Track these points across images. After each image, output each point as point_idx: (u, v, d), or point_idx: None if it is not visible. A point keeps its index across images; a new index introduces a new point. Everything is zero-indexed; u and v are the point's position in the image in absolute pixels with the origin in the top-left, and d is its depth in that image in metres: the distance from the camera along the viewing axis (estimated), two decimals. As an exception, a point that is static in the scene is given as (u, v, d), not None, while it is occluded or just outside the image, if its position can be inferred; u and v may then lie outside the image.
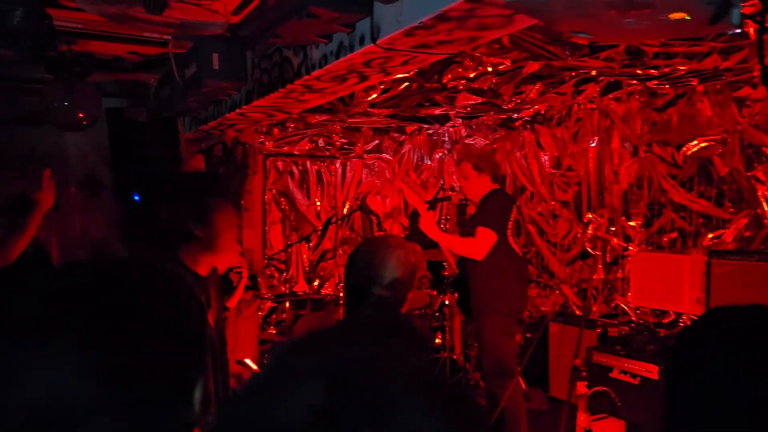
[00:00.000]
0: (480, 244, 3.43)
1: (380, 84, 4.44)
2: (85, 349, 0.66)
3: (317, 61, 2.64)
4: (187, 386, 0.72)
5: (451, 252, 4.11)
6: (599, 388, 4.12)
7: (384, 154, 6.94)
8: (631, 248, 3.95)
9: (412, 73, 3.94)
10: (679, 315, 4.41)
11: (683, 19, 1.05)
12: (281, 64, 3.02)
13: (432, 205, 4.26)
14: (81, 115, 3.53)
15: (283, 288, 6.56)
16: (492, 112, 5.50)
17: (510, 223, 3.58)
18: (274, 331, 6.49)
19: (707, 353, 0.93)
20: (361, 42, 2.31)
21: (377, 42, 2.19)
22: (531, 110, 5.43)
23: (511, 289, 3.59)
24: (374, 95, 4.63)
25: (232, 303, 3.86)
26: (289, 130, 6.22)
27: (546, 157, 5.58)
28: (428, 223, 3.44)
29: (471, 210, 4.77)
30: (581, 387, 2.56)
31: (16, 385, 0.65)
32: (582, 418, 2.57)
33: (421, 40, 2.19)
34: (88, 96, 3.54)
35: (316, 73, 2.69)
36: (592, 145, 5.09)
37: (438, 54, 2.40)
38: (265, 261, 6.34)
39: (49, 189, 3.40)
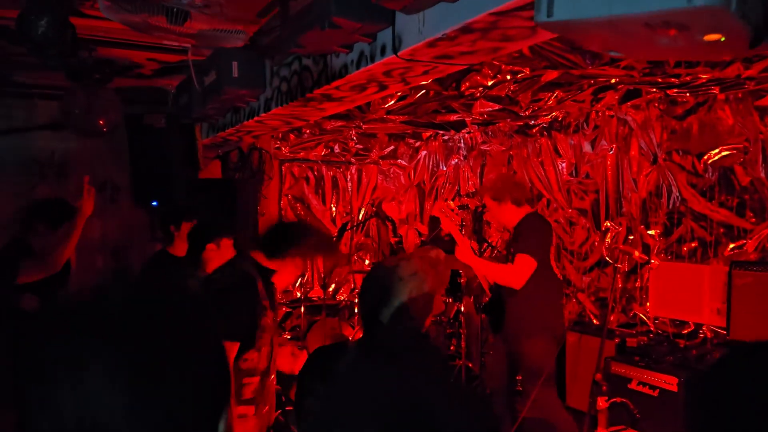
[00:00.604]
0: (519, 272, 3.38)
1: (397, 92, 4.44)
2: (120, 374, 0.66)
3: (337, 70, 2.64)
4: (214, 416, 0.72)
5: (485, 278, 4.08)
6: (617, 400, 4.08)
7: (399, 160, 6.94)
8: (653, 261, 3.91)
9: (430, 81, 3.93)
10: (698, 326, 4.35)
11: (719, 41, 1.03)
12: (300, 73, 3.02)
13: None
14: (101, 121, 3.56)
15: (298, 293, 6.57)
16: (509, 119, 5.47)
17: (552, 247, 3.56)
18: (288, 337, 6.49)
19: (739, 394, 0.89)
20: (383, 52, 2.30)
21: (399, 53, 2.18)
22: (548, 117, 5.40)
23: (550, 311, 3.59)
24: (391, 102, 4.62)
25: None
26: (305, 136, 6.23)
27: (563, 164, 5.53)
28: (465, 251, 3.46)
29: (487, 217, 4.73)
30: (601, 401, 2.53)
31: (53, 408, 0.65)
32: (603, 433, 2.53)
33: (443, 51, 2.18)
34: (108, 102, 3.57)
35: (336, 82, 2.68)
36: (610, 152, 5.05)
37: (459, 65, 2.39)
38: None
39: (90, 196, 3.49)
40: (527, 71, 3.66)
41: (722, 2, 0.95)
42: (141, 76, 4.33)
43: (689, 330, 4.42)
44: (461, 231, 3.70)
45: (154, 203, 4.76)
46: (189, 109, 4.03)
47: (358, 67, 2.48)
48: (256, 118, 3.71)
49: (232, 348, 2.39)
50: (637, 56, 2.57)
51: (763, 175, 3.98)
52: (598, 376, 2.58)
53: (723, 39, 1.03)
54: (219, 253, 3.82)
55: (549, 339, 3.51)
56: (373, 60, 2.37)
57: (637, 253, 3.14)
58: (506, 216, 3.63)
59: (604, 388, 2.55)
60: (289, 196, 6.55)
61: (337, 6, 2.13)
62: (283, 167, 6.42)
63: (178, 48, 3.63)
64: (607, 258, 5.05)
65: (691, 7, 0.92)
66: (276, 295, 2.78)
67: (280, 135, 6.13)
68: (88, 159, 4.65)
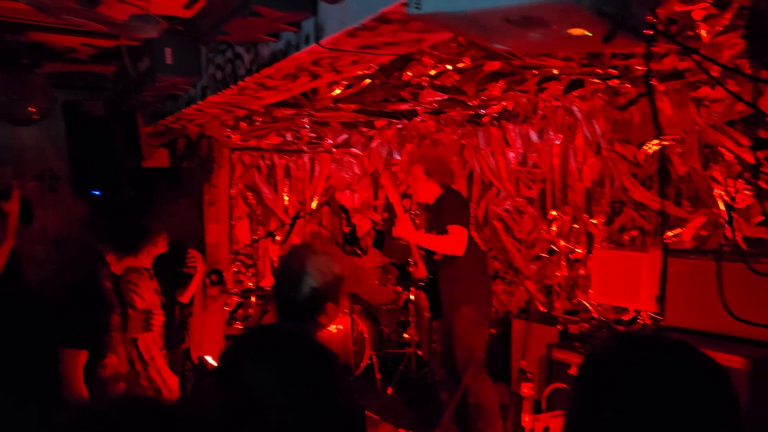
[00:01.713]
0: (457, 240, 3.53)
1: (343, 79, 4.41)
2: None
3: (266, 59, 2.60)
4: None
5: (421, 255, 4.13)
6: (558, 385, 4.16)
7: (353, 149, 6.91)
8: (578, 251, 4.02)
9: (372, 70, 3.91)
10: (638, 312, 4.46)
11: (585, 35, 1.04)
12: (233, 61, 2.96)
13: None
14: (31, 108, 3.44)
15: (249, 283, 6.51)
16: (459, 108, 5.49)
17: (471, 218, 3.72)
18: (241, 326, 6.44)
19: (608, 382, 0.93)
20: (307, 41, 2.27)
21: (321, 42, 2.15)
22: (498, 107, 5.43)
23: (478, 281, 3.74)
24: (338, 90, 4.59)
25: (184, 298, 3.81)
26: (257, 124, 6.14)
27: (512, 154, 5.59)
28: (405, 226, 3.56)
29: (409, 181, 4.79)
30: (526, 388, 2.57)
31: None
32: (527, 420, 2.58)
33: (365, 41, 2.16)
34: (38, 88, 3.45)
35: (265, 71, 2.64)
36: (557, 142, 5.11)
37: (386, 55, 2.37)
38: (232, 256, 6.28)
39: (15, 199, 3.36)
40: (467, 61, 3.66)
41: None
42: (77, 61, 4.19)
43: (630, 316, 4.53)
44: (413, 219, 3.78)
45: (96, 192, 4.64)
46: (127, 96, 3.93)
47: (285, 56, 2.44)
48: (194, 106, 3.63)
49: (77, 356, 2.32)
50: (519, 50, 2.60)
51: (698, 165, 4.08)
52: (523, 363, 2.62)
53: (589, 34, 1.04)
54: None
55: (480, 307, 3.66)
56: (298, 49, 2.34)
57: (562, 243, 3.19)
58: (428, 191, 3.74)
59: (529, 375, 2.60)
60: (240, 185, 6.47)
61: (259, -6, 2.09)
62: (233, 155, 6.33)
63: (112, 33, 3.54)
64: (554, 247, 5.14)
65: (544, 2, 0.93)
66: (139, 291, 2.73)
67: (230, 123, 6.04)
68: (23, 148, 4.50)
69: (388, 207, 6.16)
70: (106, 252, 2.60)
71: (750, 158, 3.81)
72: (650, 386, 0.88)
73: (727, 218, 3.87)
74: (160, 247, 3.59)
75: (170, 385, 2.84)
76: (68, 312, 2.33)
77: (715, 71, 3.84)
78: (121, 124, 4.58)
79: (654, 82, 4.19)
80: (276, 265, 6.60)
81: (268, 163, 6.61)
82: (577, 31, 1.03)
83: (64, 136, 4.55)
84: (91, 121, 4.47)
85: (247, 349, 1.39)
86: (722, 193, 3.95)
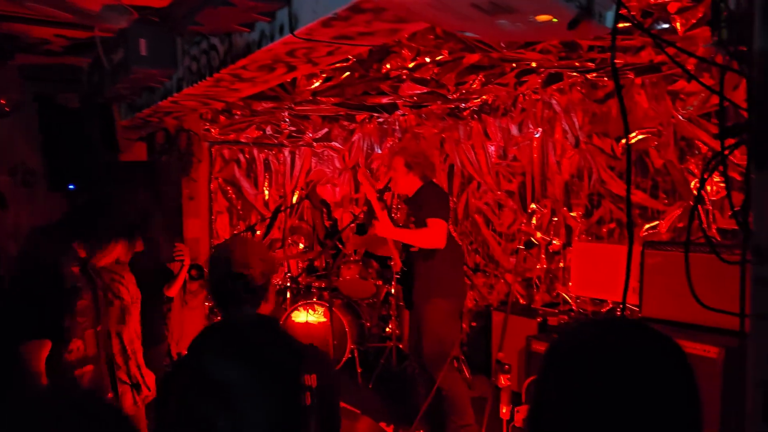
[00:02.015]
0: (437, 233, 3.52)
1: (322, 72, 4.38)
2: None
3: (241, 49, 2.57)
4: None
5: (397, 247, 4.14)
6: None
7: (334, 143, 6.88)
8: (555, 242, 4.06)
9: (351, 62, 3.89)
10: (617, 304, 4.50)
11: (551, 21, 1.04)
12: (208, 52, 2.93)
13: (382, 191, 4.31)
14: (2, 101, 3.37)
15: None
16: (439, 102, 5.49)
17: (451, 212, 3.71)
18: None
19: (568, 362, 0.94)
20: (281, 31, 2.25)
21: (295, 32, 2.13)
22: (478, 100, 5.44)
23: (452, 275, 3.74)
24: (317, 83, 4.56)
25: (172, 292, 3.78)
26: (236, 117, 6.10)
27: (492, 147, 5.60)
28: (385, 224, 3.54)
29: (390, 174, 4.82)
30: (503, 380, 2.58)
31: None
32: (504, 411, 2.59)
33: (340, 32, 2.14)
34: (8, 80, 3.38)
35: (240, 62, 2.61)
36: (536, 135, 5.14)
37: (362, 45, 2.35)
38: (212, 251, 6.23)
39: None
40: (446, 54, 3.65)
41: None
42: (50, 53, 4.12)
43: (608, 308, 4.57)
44: (396, 214, 3.78)
45: (71, 187, 4.58)
46: (101, 88, 3.87)
47: (260, 47, 2.42)
48: (170, 99, 3.59)
49: (41, 346, 2.31)
50: (490, 39, 2.60)
51: (675, 157, 4.12)
52: (500, 355, 2.63)
53: (555, 20, 1.03)
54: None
55: (452, 301, 3.67)
56: (273, 39, 2.32)
57: (539, 234, 3.20)
58: (408, 184, 3.74)
59: (506, 366, 2.61)
60: (220, 179, 6.41)
61: (231, -17, 2.06)
62: (212, 149, 6.28)
63: (86, 24, 3.48)
64: (533, 239, 5.16)
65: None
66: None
67: (209, 116, 5.98)
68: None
69: (368, 201, 6.16)
70: (77, 245, 2.57)
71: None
72: (608, 366, 0.89)
73: (701, 211, 3.91)
74: (138, 243, 3.55)
75: (148, 381, 2.81)
76: (27, 302, 2.30)
77: (690, 64, 3.88)
78: (96, 117, 4.52)
79: (631, 75, 4.23)
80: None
81: (248, 157, 6.57)
82: (543, 18, 1.03)
83: (38, 130, 4.48)
84: (66, 114, 4.41)
85: (215, 342, 1.37)
86: (699, 185, 3.99)
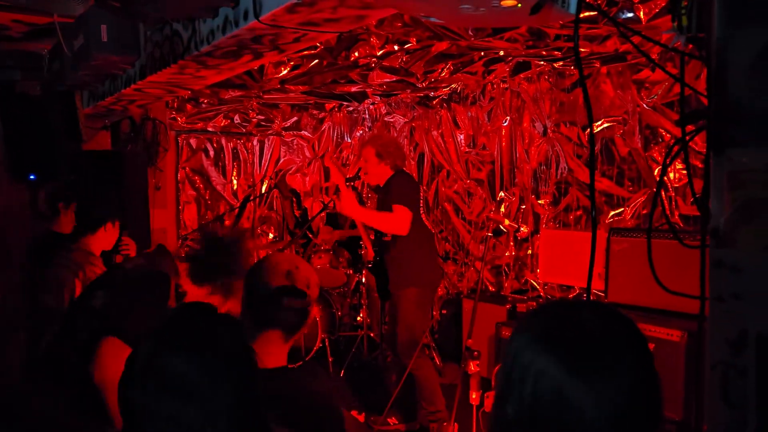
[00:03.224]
0: (401, 219, 3.52)
1: (289, 60, 4.34)
2: None
3: (205, 36, 2.52)
4: None
5: (368, 235, 4.14)
6: (506, 363, 4.25)
7: (303, 132, 6.83)
8: (523, 229, 4.12)
9: (319, 49, 3.86)
10: (583, 290, 4.57)
11: (516, 6, 1.04)
12: (172, 38, 2.87)
13: (352, 180, 4.29)
14: (-43, 88, 3.26)
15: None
16: (408, 90, 5.48)
17: (421, 201, 3.71)
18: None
19: (524, 342, 0.95)
20: (246, 18, 2.21)
21: (260, 18, 2.10)
22: (447, 89, 5.45)
23: (426, 263, 3.74)
24: (284, 71, 4.51)
25: None
26: (203, 105, 6.00)
27: (462, 136, 5.63)
28: (349, 201, 3.50)
29: (360, 164, 4.85)
30: (473, 366, 2.61)
31: None
32: (474, 397, 2.62)
33: (306, 18, 2.12)
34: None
35: (205, 48, 2.57)
36: (505, 124, 5.17)
37: (329, 32, 2.33)
38: (179, 241, 6.15)
39: None
40: (414, 42, 3.64)
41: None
42: (9, 39, 3.99)
43: (574, 294, 4.64)
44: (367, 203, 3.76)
45: (32, 177, 4.46)
46: (63, 75, 3.77)
47: (224, 33, 2.38)
48: (133, 86, 3.52)
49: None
50: (455, 24, 2.61)
51: (639, 145, 4.19)
52: (470, 341, 2.65)
53: (519, 5, 1.03)
54: (106, 236, 3.64)
55: (424, 289, 3.68)
56: (237, 26, 2.28)
57: (507, 222, 3.24)
58: (379, 173, 3.74)
59: (476, 353, 2.63)
60: (187, 169, 6.32)
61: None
62: (179, 138, 6.17)
63: (43, 9, 3.38)
64: (502, 227, 5.21)
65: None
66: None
67: (175, 104, 5.88)
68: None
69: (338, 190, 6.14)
70: None
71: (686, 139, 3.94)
72: (566, 343, 0.90)
73: (665, 197, 3.99)
74: (110, 233, 3.49)
75: None
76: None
77: (655, 54, 3.94)
78: (58, 106, 4.39)
79: (597, 64, 4.28)
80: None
81: (216, 146, 6.48)
82: (508, 2, 1.03)
83: (-3, 118, 4.34)
84: (27, 102, 4.28)
85: (166, 335, 1.27)
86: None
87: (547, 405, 0.90)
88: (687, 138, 1.11)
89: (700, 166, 3.78)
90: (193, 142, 6.34)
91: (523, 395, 0.91)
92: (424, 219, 3.75)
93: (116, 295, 2.02)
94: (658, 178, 4.08)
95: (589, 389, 0.86)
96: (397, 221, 3.51)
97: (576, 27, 1.01)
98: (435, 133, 5.85)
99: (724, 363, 0.90)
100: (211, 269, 2.32)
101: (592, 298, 4.52)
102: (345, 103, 6.19)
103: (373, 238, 4.08)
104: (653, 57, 3.99)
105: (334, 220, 6.18)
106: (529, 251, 5.03)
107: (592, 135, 1.28)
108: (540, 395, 0.89)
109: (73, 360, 1.83)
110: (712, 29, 0.92)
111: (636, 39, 3.70)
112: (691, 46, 1.05)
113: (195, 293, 2.35)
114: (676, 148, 1.13)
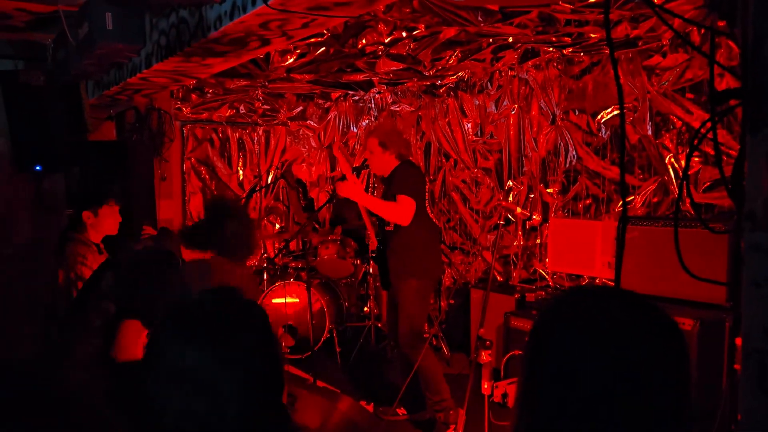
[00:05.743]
0: (404, 209, 3.51)
1: (296, 48, 4.29)
2: None
3: (212, 22, 2.49)
4: None
5: (372, 222, 4.10)
6: (516, 353, 4.22)
7: (309, 121, 6.79)
8: (535, 217, 4.09)
9: (325, 37, 3.81)
10: (592, 279, 4.54)
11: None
12: (178, 26, 2.83)
13: (358, 170, 4.24)
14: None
15: (205, 259, 6.38)
16: (415, 79, 5.43)
17: (426, 193, 3.68)
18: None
19: (565, 336, 0.92)
20: (254, 3, 2.18)
21: (269, 2, 2.07)
22: (454, 77, 5.39)
23: (428, 255, 3.72)
24: (291, 60, 4.47)
25: None
26: (208, 95, 5.97)
27: (469, 125, 5.58)
28: (355, 187, 3.50)
29: (366, 155, 4.83)
30: (485, 356, 2.58)
31: None
32: (486, 387, 2.60)
33: (316, 2, 2.08)
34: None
35: (212, 35, 2.53)
36: (513, 112, 5.12)
37: (339, 17, 2.29)
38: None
39: None
40: (422, 28, 3.60)
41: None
42: (13, 28, 3.97)
43: (584, 283, 4.61)
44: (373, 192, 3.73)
45: (38, 167, 4.44)
46: (67, 65, 3.74)
47: (231, 19, 2.34)
48: (139, 75, 3.49)
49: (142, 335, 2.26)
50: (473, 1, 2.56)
51: (650, 132, 4.14)
52: (482, 331, 2.63)
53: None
54: (107, 219, 3.63)
55: (426, 281, 3.67)
56: (245, 11, 2.24)
57: (519, 210, 3.20)
58: (384, 163, 3.71)
59: (488, 343, 2.61)
60: (193, 159, 6.29)
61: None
62: (185, 129, 6.14)
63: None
64: (510, 216, 5.17)
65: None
66: None
67: (180, 94, 5.84)
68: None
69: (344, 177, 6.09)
70: None
71: (698, 125, 3.88)
72: (598, 335, 0.87)
73: (675, 186, 3.94)
74: (109, 215, 3.48)
75: None
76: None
77: (666, 39, 3.88)
78: (63, 96, 4.37)
79: (607, 50, 4.22)
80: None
81: (222, 136, 6.45)
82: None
83: (2, 109, 4.32)
84: (32, 92, 4.25)
85: (173, 325, 1.19)
86: (673, 160, 4.02)
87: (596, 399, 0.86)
88: (716, 119, 1.07)
89: (711, 153, 3.73)
90: (198, 132, 6.31)
91: (557, 388, 0.88)
92: (429, 212, 3.72)
93: (127, 273, 2.04)
94: (669, 166, 4.03)
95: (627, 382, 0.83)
96: (399, 210, 3.50)
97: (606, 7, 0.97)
98: (442, 121, 5.80)
99: (760, 351, 0.87)
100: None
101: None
102: (351, 92, 6.14)
103: (376, 227, 4.04)
104: (664, 42, 3.94)
105: (340, 212, 6.15)
106: (538, 240, 4.99)
107: (623, 122, 1.24)
108: (577, 387, 0.86)
109: (92, 342, 1.85)
110: (749, 4, 0.88)
111: (647, 23, 3.65)
112: (722, 23, 1.01)
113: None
114: (703, 130, 1.09)
